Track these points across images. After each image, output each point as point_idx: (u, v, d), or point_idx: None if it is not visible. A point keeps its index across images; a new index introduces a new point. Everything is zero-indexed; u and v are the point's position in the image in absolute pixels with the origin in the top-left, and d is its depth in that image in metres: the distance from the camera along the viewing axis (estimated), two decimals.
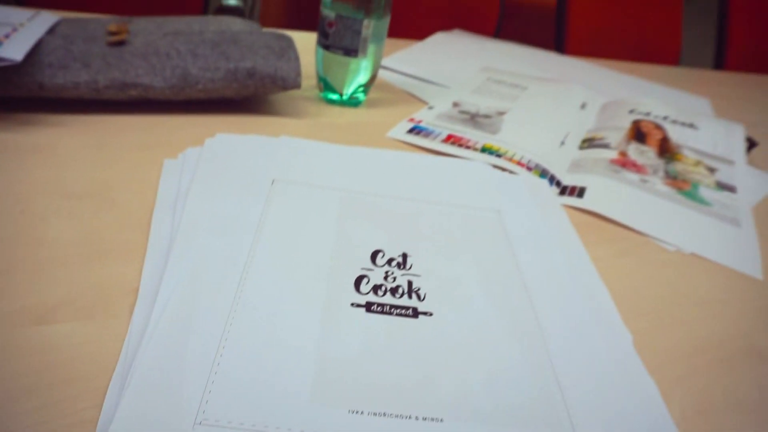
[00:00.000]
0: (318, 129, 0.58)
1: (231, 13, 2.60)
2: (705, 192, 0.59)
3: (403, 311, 0.34)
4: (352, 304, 0.34)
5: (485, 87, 0.76)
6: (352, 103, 0.65)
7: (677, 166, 0.63)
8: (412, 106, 0.68)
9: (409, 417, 0.28)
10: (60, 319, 0.31)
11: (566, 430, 0.29)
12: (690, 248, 0.49)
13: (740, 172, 0.65)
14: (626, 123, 0.71)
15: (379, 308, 0.34)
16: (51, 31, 0.54)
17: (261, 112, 0.59)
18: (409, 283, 0.37)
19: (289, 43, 0.58)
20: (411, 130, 0.60)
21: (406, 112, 0.66)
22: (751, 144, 0.73)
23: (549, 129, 0.66)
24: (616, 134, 0.68)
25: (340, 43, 0.60)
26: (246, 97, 0.57)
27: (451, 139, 0.59)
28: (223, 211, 0.39)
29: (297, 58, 0.57)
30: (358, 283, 0.36)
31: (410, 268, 0.38)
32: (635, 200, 0.54)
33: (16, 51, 0.46)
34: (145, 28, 0.58)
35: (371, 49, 0.61)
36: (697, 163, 0.65)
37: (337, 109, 0.63)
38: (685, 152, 0.67)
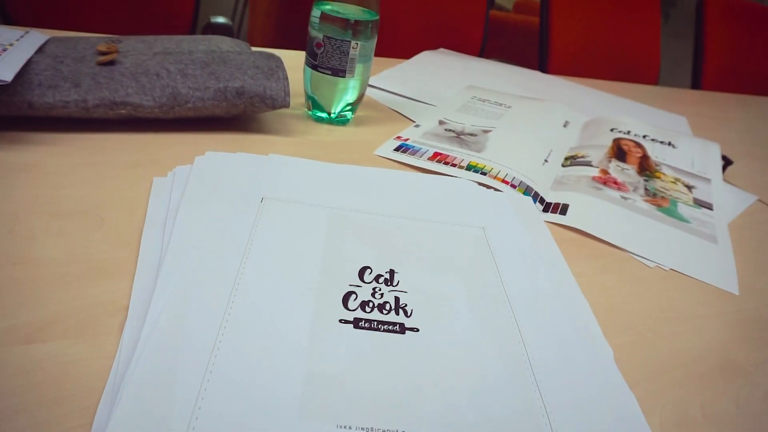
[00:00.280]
0: (306, 147, 0.58)
1: (220, 30, 2.62)
2: (683, 209, 0.61)
3: (390, 327, 0.35)
4: (341, 320, 0.35)
5: (470, 105, 0.78)
6: (340, 121, 0.66)
7: (656, 184, 0.65)
8: (398, 124, 0.70)
9: (396, 431, 0.28)
10: (49, 337, 0.31)
11: None
12: (669, 264, 0.51)
13: (717, 189, 0.67)
14: (607, 141, 0.73)
15: (366, 324, 0.35)
16: (40, 50, 0.55)
17: (250, 130, 0.59)
18: (396, 300, 0.37)
19: (278, 63, 0.59)
20: (398, 148, 0.62)
21: (393, 130, 0.67)
22: (727, 162, 0.75)
23: (533, 147, 0.68)
24: (598, 152, 0.69)
25: (328, 63, 0.61)
26: (235, 115, 0.58)
27: (437, 157, 0.60)
28: (212, 229, 0.40)
29: (286, 78, 0.58)
30: (346, 299, 0.36)
31: (397, 284, 0.39)
32: (616, 217, 0.56)
33: (5, 71, 0.46)
34: (135, 48, 0.59)
35: (359, 69, 0.62)
36: (676, 181, 0.67)
37: (325, 127, 0.64)
38: (664, 170, 0.69)
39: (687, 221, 0.58)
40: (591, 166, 0.66)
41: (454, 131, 0.68)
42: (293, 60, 0.81)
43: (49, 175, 0.45)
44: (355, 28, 0.59)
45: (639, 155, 0.70)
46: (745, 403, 0.37)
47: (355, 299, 0.37)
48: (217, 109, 0.56)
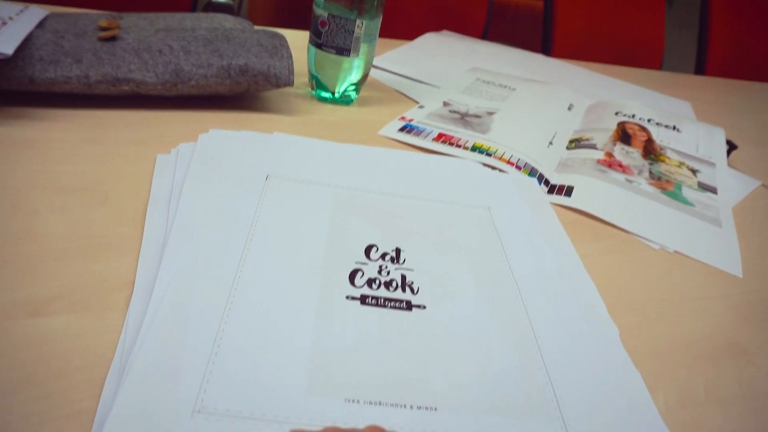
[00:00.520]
0: (310, 126, 0.58)
1: (220, 9, 2.59)
2: (688, 192, 0.61)
3: (397, 304, 0.35)
4: (347, 297, 0.35)
5: (474, 87, 0.77)
6: (344, 101, 0.65)
7: (661, 167, 0.64)
8: (402, 105, 0.69)
9: (404, 406, 0.28)
10: (55, 311, 0.31)
11: (555, 419, 0.30)
12: (674, 247, 0.51)
13: (721, 173, 0.67)
14: (612, 125, 0.72)
15: (373, 301, 0.35)
16: (40, 25, 0.54)
17: (253, 109, 0.59)
18: (403, 277, 0.37)
19: (282, 42, 0.58)
20: (402, 129, 0.61)
21: (397, 110, 0.67)
22: (731, 147, 0.75)
23: (537, 129, 0.67)
24: (603, 135, 0.69)
25: (333, 42, 0.60)
26: (238, 93, 0.58)
27: (442, 138, 0.60)
28: (217, 206, 0.40)
29: (290, 56, 0.57)
30: (352, 276, 0.36)
31: (404, 262, 0.39)
32: (621, 200, 0.56)
33: (6, 45, 0.46)
34: (137, 24, 0.58)
35: (363, 48, 0.61)
36: (680, 165, 0.66)
37: (328, 107, 0.64)
38: (669, 154, 0.68)
39: (691, 204, 0.58)
40: (595, 149, 0.65)
41: (458, 112, 0.68)
42: (295, 40, 0.80)
43: (52, 150, 0.45)
44: (360, 6, 0.59)
45: (644, 139, 0.70)
46: (748, 384, 0.37)
47: (361, 276, 0.36)
48: (220, 86, 0.55)
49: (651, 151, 0.68)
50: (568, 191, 0.56)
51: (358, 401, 0.28)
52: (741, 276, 0.49)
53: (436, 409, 0.29)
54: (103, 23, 0.55)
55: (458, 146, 0.59)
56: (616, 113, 0.76)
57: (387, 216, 0.44)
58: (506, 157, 0.58)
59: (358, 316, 0.33)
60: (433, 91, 0.75)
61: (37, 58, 0.48)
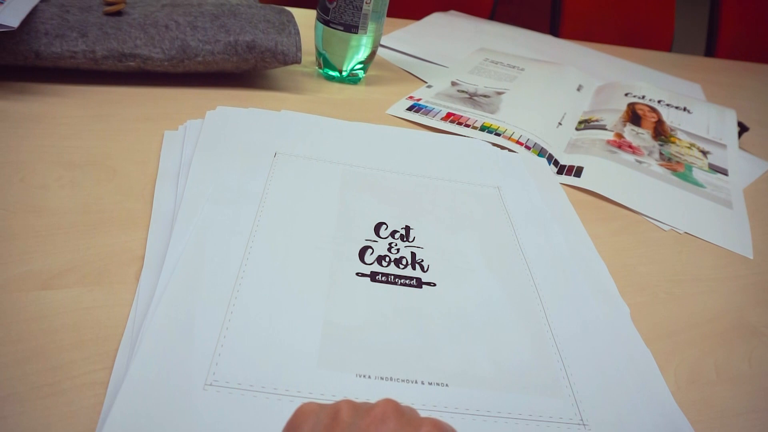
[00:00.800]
0: (317, 105, 0.57)
1: None
2: (698, 174, 0.60)
3: (407, 281, 0.35)
4: (357, 274, 0.34)
5: (483, 67, 0.76)
6: (351, 80, 0.65)
7: (671, 149, 0.64)
8: (410, 85, 0.68)
9: (416, 382, 0.28)
10: (65, 284, 0.31)
11: (567, 396, 0.30)
12: (684, 228, 0.50)
13: (732, 155, 0.67)
14: (622, 105, 0.71)
15: (383, 278, 0.35)
16: None
17: (259, 87, 0.58)
18: (413, 255, 0.37)
19: (289, 18, 0.58)
20: (410, 108, 0.60)
21: (404, 90, 0.66)
22: (743, 129, 0.74)
23: (546, 109, 0.67)
24: (612, 116, 0.68)
25: (341, 18, 0.59)
26: (245, 71, 0.57)
27: (450, 117, 0.59)
28: (226, 182, 0.39)
29: (297, 33, 0.56)
30: (362, 253, 0.36)
31: (413, 240, 0.38)
32: (631, 180, 0.55)
33: (11, 18, 0.45)
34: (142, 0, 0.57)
35: (371, 26, 0.61)
36: (691, 146, 0.66)
37: (336, 86, 0.63)
38: (679, 135, 0.68)
39: (702, 186, 0.58)
40: (605, 129, 0.65)
41: (467, 92, 0.67)
42: (300, 18, 0.79)
43: (59, 126, 0.44)
44: None
45: (654, 120, 0.69)
46: (758, 363, 0.37)
47: (371, 254, 0.36)
48: (227, 63, 0.54)
49: (661, 132, 0.67)
50: (578, 172, 0.55)
51: (369, 376, 0.28)
52: (752, 257, 0.49)
53: (447, 385, 0.29)
54: None
55: (467, 126, 0.58)
56: (626, 94, 0.75)
57: (396, 194, 0.43)
58: (515, 136, 0.58)
59: (368, 293, 0.33)
60: (441, 71, 0.74)
61: (42, 32, 0.48)
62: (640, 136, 0.65)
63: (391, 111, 0.60)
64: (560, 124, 0.65)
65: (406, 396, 0.28)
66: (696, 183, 0.58)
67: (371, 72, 0.68)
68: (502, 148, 0.55)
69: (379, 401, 0.22)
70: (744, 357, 0.37)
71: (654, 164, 0.59)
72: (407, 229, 0.39)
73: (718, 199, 0.56)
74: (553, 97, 0.71)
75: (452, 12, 1.07)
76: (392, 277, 0.35)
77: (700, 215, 0.53)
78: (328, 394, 0.27)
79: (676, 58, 1.18)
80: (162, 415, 0.24)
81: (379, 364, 0.29)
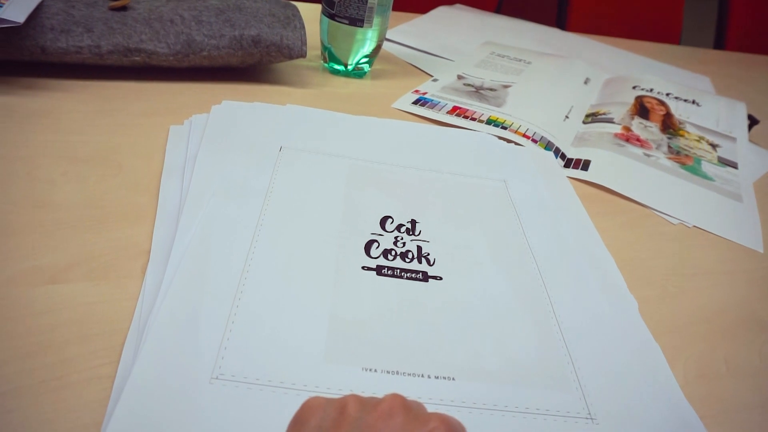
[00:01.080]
0: (322, 99, 0.57)
1: None
2: (707, 167, 0.59)
3: (414, 275, 0.35)
4: (363, 267, 0.34)
5: (489, 61, 0.76)
6: (357, 74, 0.64)
7: (680, 142, 0.63)
8: (416, 78, 0.68)
9: (422, 375, 0.28)
10: (72, 279, 0.31)
11: (574, 390, 0.29)
12: (693, 221, 0.50)
13: (742, 148, 0.66)
14: (629, 99, 0.71)
15: (389, 272, 0.34)
16: None
17: (264, 81, 0.58)
18: (419, 249, 0.37)
19: (294, 12, 0.57)
20: (416, 102, 0.60)
21: (410, 84, 0.66)
22: (753, 122, 0.73)
23: (553, 103, 0.66)
24: (620, 109, 0.68)
25: (346, 12, 0.59)
26: (250, 65, 0.57)
27: (456, 111, 0.59)
28: (232, 176, 0.39)
29: (303, 27, 0.56)
30: (368, 247, 0.36)
31: (419, 234, 0.38)
32: (639, 174, 0.55)
33: (17, 13, 0.45)
34: None
35: (377, 19, 0.60)
36: (700, 139, 0.65)
37: (341, 80, 0.63)
38: (688, 128, 0.67)
39: (711, 179, 0.57)
40: (613, 123, 0.64)
41: (473, 86, 0.66)
42: (305, 12, 0.79)
43: (65, 121, 0.44)
44: None
45: (662, 113, 0.69)
46: None
47: (377, 247, 0.36)
48: (232, 58, 0.54)
49: (670, 126, 0.66)
50: (585, 165, 0.55)
51: (375, 370, 0.28)
52: (762, 251, 0.49)
53: (453, 379, 0.28)
54: None
55: (473, 119, 0.58)
56: (634, 87, 0.75)
57: (402, 188, 0.43)
58: (522, 130, 0.57)
59: (374, 287, 0.33)
60: (447, 65, 0.74)
61: (48, 27, 0.48)
62: (648, 129, 0.64)
63: (396, 105, 0.59)
64: (567, 117, 0.64)
65: (412, 390, 0.27)
66: (705, 176, 0.57)
67: (377, 66, 0.68)
68: (509, 141, 0.55)
69: (386, 396, 0.22)
70: (754, 351, 0.37)
71: (662, 157, 0.59)
72: (413, 222, 0.39)
73: (727, 192, 0.56)
74: (560, 91, 0.70)
75: (458, 5, 1.06)
76: (398, 270, 0.35)
77: (710, 209, 0.52)
78: (334, 388, 0.27)
79: (684, 50, 1.17)
80: (168, 409, 0.24)
81: (386, 357, 0.29)
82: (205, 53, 0.53)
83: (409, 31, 0.84)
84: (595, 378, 0.30)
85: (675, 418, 0.29)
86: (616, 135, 0.61)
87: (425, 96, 0.62)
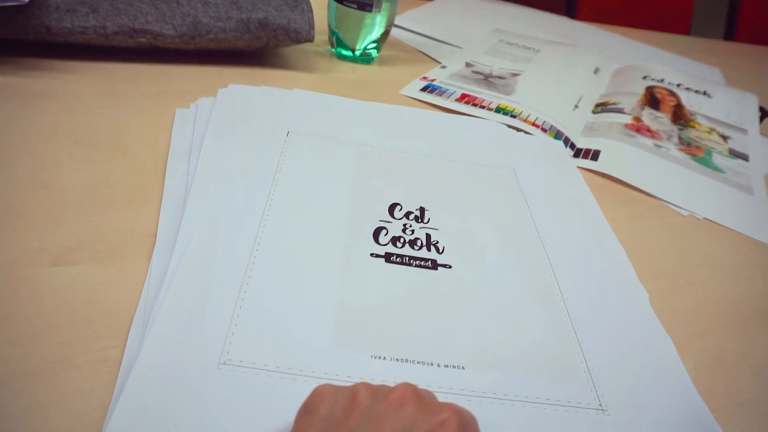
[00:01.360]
0: (330, 84, 0.56)
1: None
2: (718, 159, 0.59)
3: (423, 263, 0.34)
4: (372, 255, 0.34)
5: (498, 48, 0.75)
6: (364, 59, 0.63)
7: (691, 133, 0.62)
8: (424, 65, 0.67)
9: (431, 364, 0.28)
10: (77, 261, 0.31)
11: (585, 381, 0.29)
12: (703, 213, 0.49)
13: (753, 140, 0.65)
14: (640, 89, 0.70)
15: (398, 259, 0.34)
16: None
17: (271, 65, 0.57)
18: (428, 236, 0.36)
19: None
20: (424, 89, 0.59)
21: (418, 70, 0.65)
22: (764, 114, 0.72)
23: (563, 92, 0.65)
24: (630, 99, 0.67)
25: None
26: (257, 49, 0.56)
27: (465, 99, 0.58)
28: (238, 161, 0.39)
29: (310, 10, 0.55)
30: (376, 234, 0.35)
31: (428, 221, 0.38)
32: (650, 165, 0.54)
33: None
34: None
35: (386, 4, 0.59)
36: (711, 131, 0.64)
37: (348, 65, 0.62)
38: (699, 119, 0.66)
39: (722, 171, 0.56)
40: (623, 113, 0.63)
41: (481, 73, 0.66)
42: None
43: (70, 102, 0.44)
44: None
45: (673, 104, 0.68)
46: None
47: (385, 234, 0.36)
48: (239, 41, 0.53)
49: (680, 117, 0.65)
50: (595, 155, 0.54)
51: (384, 358, 0.28)
52: None
53: (463, 368, 0.28)
54: None
55: (482, 107, 0.57)
56: (644, 77, 0.74)
57: (411, 175, 0.42)
58: (531, 119, 0.57)
59: (383, 274, 0.33)
60: (456, 52, 0.73)
61: (53, 6, 0.47)
62: (658, 120, 0.63)
63: (404, 91, 0.59)
64: (577, 106, 0.64)
65: (422, 378, 0.27)
66: (716, 168, 0.57)
67: (384, 52, 0.67)
68: (518, 130, 0.54)
69: (397, 385, 0.22)
70: (765, 344, 0.37)
71: (673, 149, 0.58)
72: (422, 210, 0.39)
73: (738, 184, 0.55)
74: (570, 80, 0.69)
75: None
76: (407, 258, 0.34)
77: (720, 201, 0.52)
78: (343, 375, 0.26)
79: (694, 41, 1.15)
80: (175, 395, 0.24)
81: (395, 345, 0.28)
82: (211, 36, 0.52)
83: (418, 17, 0.83)
84: (606, 369, 0.30)
85: (686, 410, 0.29)
86: (626, 125, 0.60)
87: (433, 83, 0.61)
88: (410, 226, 0.37)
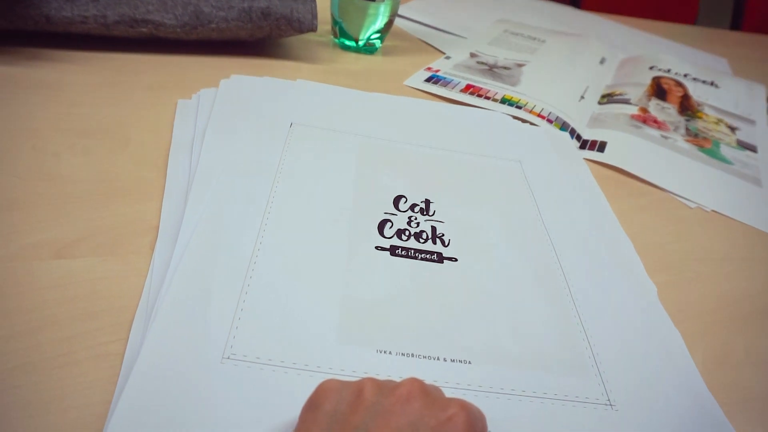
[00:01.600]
0: (333, 75, 0.56)
1: None
2: (726, 150, 0.58)
3: (428, 256, 0.34)
4: (377, 248, 0.33)
5: (503, 39, 0.74)
6: (368, 50, 0.63)
7: (698, 124, 0.62)
8: (428, 56, 0.66)
9: (437, 358, 0.28)
10: (78, 254, 0.30)
11: (593, 375, 0.29)
12: (711, 205, 0.49)
13: (761, 131, 0.64)
14: (646, 79, 0.69)
15: (403, 252, 0.34)
16: None
17: (273, 56, 0.57)
18: (433, 229, 0.36)
19: None
20: (429, 79, 0.59)
21: (422, 61, 0.64)
22: None
23: (568, 82, 0.65)
24: (637, 90, 0.66)
25: None
26: (259, 39, 0.55)
27: (470, 89, 0.57)
28: (241, 152, 0.38)
29: (313, 0, 0.54)
30: (381, 227, 0.35)
31: (433, 214, 0.37)
32: (657, 156, 0.53)
33: None
34: None
35: None
36: (719, 122, 0.63)
37: (352, 56, 0.61)
38: (706, 110, 0.65)
39: (730, 162, 0.56)
40: (629, 104, 0.62)
41: (486, 64, 0.65)
42: None
43: (70, 93, 0.43)
44: None
45: (680, 94, 0.67)
46: None
47: (390, 227, 0.35)
48: (241, 31, 0.53)
49: (688, 107, 0.65)
50: (601, 146, 0.53)
51: (390, 352, 0.27)
52: None
53: (469, 362, 0.28)
54: None
55: (487, 98, 0.56)
56: (651, 68, 0.73)
57: (415, 167, 0.42)
58: (537, 110, 0.56)
59: (388, 267, 0.32)
60: (460, 42, 0.72)
61: None
62: (665, 111, 0.62)
63: (408, 82, 0.58)
64: (583, 97, 0.63)
65: (428, 373, 0.27)
66: (724, 159, 0.56)
67: (388, 42, 0.66)
68: (524, 121, 0.53)
69: (404, 380, 0.21)
70: None
71: (680, 140, 0.57)
72: (427, 202, 0.38)
73: (746, 176, 0.54)
74: (576, 70, 0.68)
75: None
76: (412, 251, 0.34)
77: (728, 193, 0.51)
78: (348, 370, 0.26)
79: (701, 31, 1.14)
80: (178, 390, 0.23)
81: (400, 340, 0.28)
82: (213, 25, 0.51)
83: (422, 7, 0.82)
84: (614, 363, 0.29)
85: (695, 406, 0.29)
86: (632, 116, 0.60)
87: (438, 74, 0.60)
88: (415, 218, 0.37)
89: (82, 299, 0.28)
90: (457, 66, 0.63)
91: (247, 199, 0.34)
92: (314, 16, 0.54)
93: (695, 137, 0.59)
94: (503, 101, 0.56)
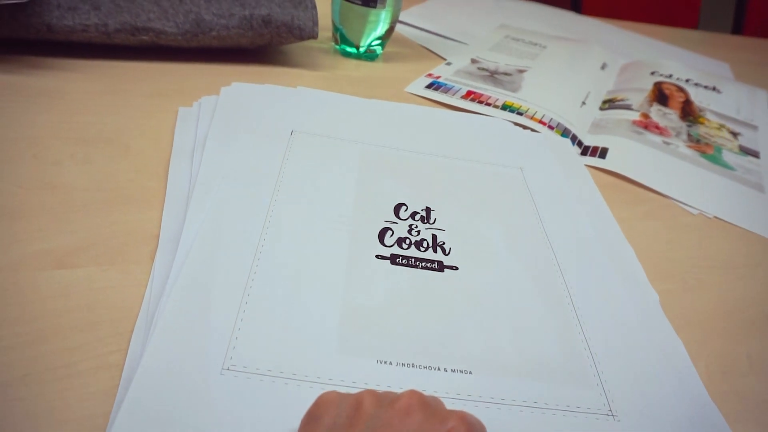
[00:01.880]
0: (334, 81, 0.56)
1: None
2: (728, 156, 0.58)
3: (429, 264, 0.34)
4: (377, 256, 0.33)
5: (504, 44, 0.74)
6: (369, 56, 0.63)
7: (700, 130, 0.61)
8: (429, 62, 0.66)
9: (438, 369, 0.27)
10: (80, 263, 0.30)
11: (595, 385, 0.28)
12: (713, 212, 0.49)
13: (764, 137, 0.64)
14: (648, 85, 0.69)
15: (404, 261, 0.33)
16: None
17: (274, 63, 0.57)
18: (434, 237, 0.36)
19: None
20: (430, 86, 0.59)
21: (423, 67, 0.64)
22: None
23: (570, 88, 0.65)
24: (638, 96, 0.66)
25: None
26: (260, 46, 0.55)
27: (471, 96, 0.57)
28: (242, 160, 0.38)
29: (314, 7, 0.55)
30: (382, 235, 0.35)
31: (434, 222, 0.37)
32: (658, 162, 0.53)
33: None
34: None
35: (390, 0, 0.59)
36: (721, 127, 0.63)
37: (353, 62, 0.61)
38: (708, 116, 0.65)
39: (732, 168, 0.56)
40: (631, 109, 0.62)
41: (487, 70, 0.65)
42: None
43: (72, 101, 0.43)
44: None
45: (682, 100, 0.67)
46: None
47: (391, 235, 0.35)
48: (242, 38, 0.53)
49: (689, 113, 0.64)
50: (603, 153, 0.53)
51: (390, 363, 0.27)
52: None
53: (470, 372, 0.28)
54: None
55: (488, 104, 0.56)
56: (652, 73, 0.73)
57: (416, 174, 0.42)
58: (538, 116, 0.56)
59: (388, 276, 0.32)
60: (461, 48, 0.72)
61: (54, 4, 0.47)
62: (667, 117, 0.62)
63: (409, 89, 0.58)
64: (584, 103, 0.63)
65: (428, 383, 0.27)
66: (726, 165, 0.56)
67: (389, 48, 0.66)
68: (525, 127, 0.53)
69: (403, 392, 0.21)
70: None
71: (682, 146, 0.57)
72: (428, 210, 0.38)
73: (749, 182, 0.54)
74: (577, 76, 0.68)
75: None
76: (413, 260, 0.34)
77: (731, 199, 0.51)
78: (348, 381, 0.26)
79: (702, 36, 1.14)
80: (178, 401, 0.23)
81: (401, 350, 0.28)
82: (214, 33, 0.51)
83: (422, 14, 0.82)
84: (616, 373, 0.29)
85: (698, 415, 0.28)
86: (634, 122, 0.59)
87: (439, 80, 0.60)
88: (416, 226, 0.36)
89: (82, 309, 0.28)
90: (458, 72, 0.63)
91: (248, 208, 0.34)
92: (315, 23, 0.54)
93: (697, 143, 0.58)
94: (504, 108, 0.56)
